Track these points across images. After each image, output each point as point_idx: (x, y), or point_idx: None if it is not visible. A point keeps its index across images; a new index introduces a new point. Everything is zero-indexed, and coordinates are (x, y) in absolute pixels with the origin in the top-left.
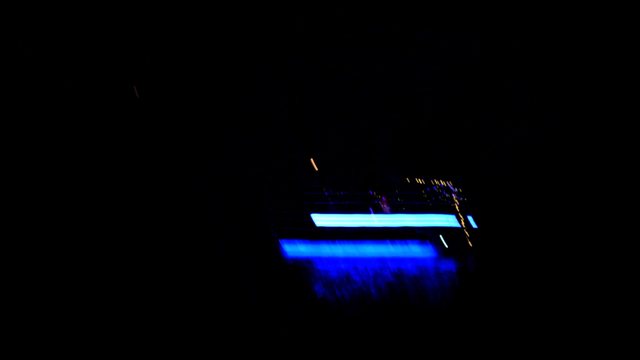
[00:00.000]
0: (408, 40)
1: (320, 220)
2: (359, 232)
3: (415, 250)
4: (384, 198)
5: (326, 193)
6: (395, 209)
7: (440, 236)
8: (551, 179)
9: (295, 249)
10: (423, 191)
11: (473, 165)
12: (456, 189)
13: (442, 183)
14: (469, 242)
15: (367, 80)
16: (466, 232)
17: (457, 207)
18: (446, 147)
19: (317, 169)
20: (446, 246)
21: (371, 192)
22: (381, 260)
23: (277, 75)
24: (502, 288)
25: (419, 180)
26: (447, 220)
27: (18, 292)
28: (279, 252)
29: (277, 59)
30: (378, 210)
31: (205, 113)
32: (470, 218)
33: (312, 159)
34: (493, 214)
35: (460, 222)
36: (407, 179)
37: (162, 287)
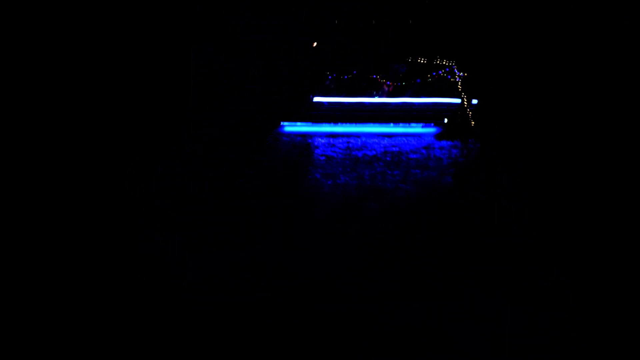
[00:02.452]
0: None
1: (321, 100)
2: (360, 113)
3: (417, 129)
4: (388, 82)
5: (329, 77)
6: (398, 91)
7: (443, 117)
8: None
9: (296, 128)
10: (427, 74)
11: (475, 44)
12: (459, 72)
13: (445, 63)
14: (470, 121)
15: None
16: (468, 111)
17: (459, 87)
18: (447, 27)
19: (317, 48)
20: (447, 124)
21: (375, 77)
22: (382, 137)
23: None
24: (501, 167)
25: (422, 61)
26: (448, 100)
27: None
28: (280, 131)
29: None
30: (381, 93)
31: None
32: (472, 99)
33: (315, 43)
34: (495, 94)
35: (461, 101)
36: (410, 59)
37: None
